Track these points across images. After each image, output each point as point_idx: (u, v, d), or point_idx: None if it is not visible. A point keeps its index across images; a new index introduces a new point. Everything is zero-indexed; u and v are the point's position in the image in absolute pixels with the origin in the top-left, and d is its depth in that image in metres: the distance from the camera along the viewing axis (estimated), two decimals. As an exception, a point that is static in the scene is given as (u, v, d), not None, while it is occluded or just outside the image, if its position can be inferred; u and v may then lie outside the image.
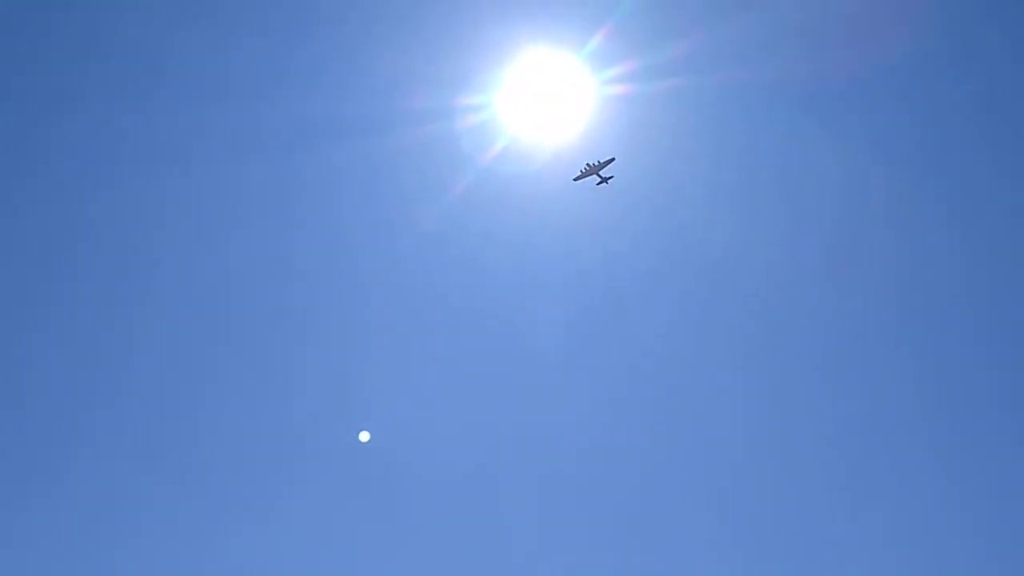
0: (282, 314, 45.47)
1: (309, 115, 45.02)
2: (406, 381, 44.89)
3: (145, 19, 46.78)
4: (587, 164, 44.01)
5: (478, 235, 45.64)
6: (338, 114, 44.83)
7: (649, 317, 44.53)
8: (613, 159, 43.70)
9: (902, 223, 44.99)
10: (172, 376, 45.08)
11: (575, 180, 44.03)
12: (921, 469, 42.63)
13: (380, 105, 44.69)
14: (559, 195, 46.70)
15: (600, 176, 43.71)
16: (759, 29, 43.98)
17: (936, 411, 43.05)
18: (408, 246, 46.17)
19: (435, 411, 44.18)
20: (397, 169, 45.98)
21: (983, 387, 43.70)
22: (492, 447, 44.18)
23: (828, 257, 44.89)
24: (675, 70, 43.84)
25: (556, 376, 45.33)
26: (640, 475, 43.07)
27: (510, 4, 44.49)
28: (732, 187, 44.44)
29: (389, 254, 46.00)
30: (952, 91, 45.77)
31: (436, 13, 44.79)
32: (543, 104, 46.06)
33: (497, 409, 44.33)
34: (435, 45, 44.37)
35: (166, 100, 46.11)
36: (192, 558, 41.62)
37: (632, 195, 45.29)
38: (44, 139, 46.17)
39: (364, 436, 44.48)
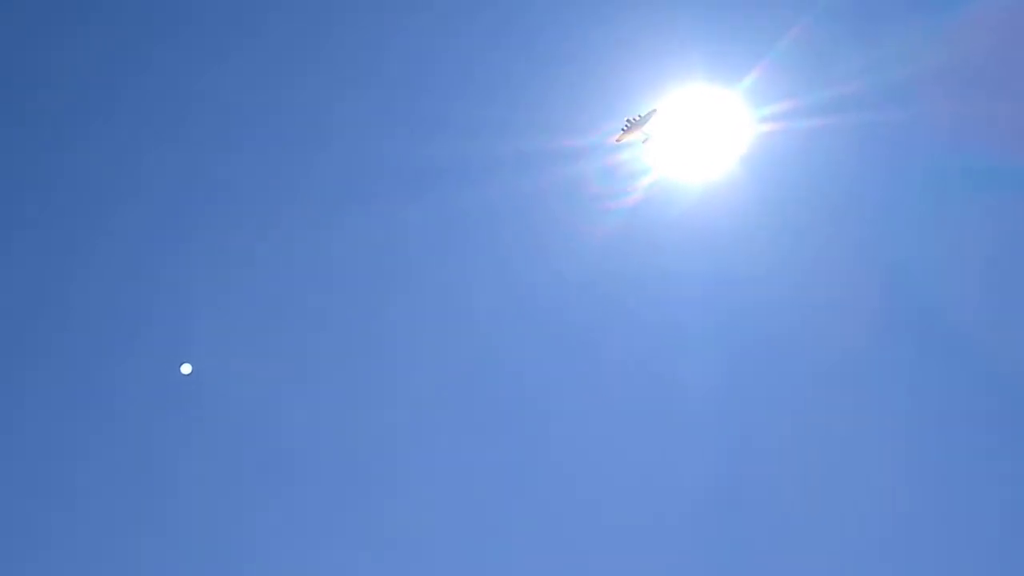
0: (447, 350, 44.90)
1: (465, 152, 44.45)
2: (564, 432, 44.17)
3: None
4: (627, 120, 41.02)
5: (626, 275, 44.86)
6: (492, 152, 44.24)
7: (807, 367, 43.32)
8: (655, 110, 40.56)
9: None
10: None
11: (617, 141, 41.08)
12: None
13: (530, 143, 44.02)
14: (709, 232, 45.84)
15: (644, 133, 40.73)
16: (920, 70, 42.78)
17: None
18: (556, 283, 45.53)
19: (603, 459, 43.28)
20: (545, 207, 45.34)
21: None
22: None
23: (984, 299, 43.38)
24: (834, 108, 42.86)
25: (706, 428, 44.14)
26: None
27: (663, 40, 43.78)
28: (891, 230, 43.30)
29: (539, 291, 45.32)
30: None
31: (589, 50, 44.23)
32: (695, 140, 45.24)
33: (652, 458, 43.34)
34: (587, 82, 43.74)
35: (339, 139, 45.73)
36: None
37: (788, 236, 44.34)
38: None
39: (186, 368, 43.48)
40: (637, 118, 40.46)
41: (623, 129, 40.57)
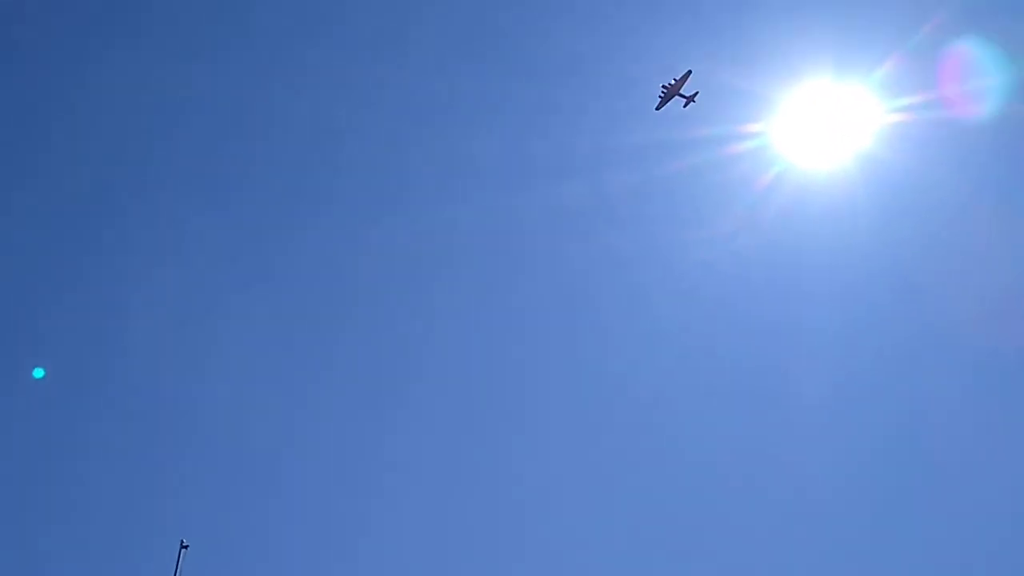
0: (561, 335, 45.33)
1: (578, 144, 45.35)
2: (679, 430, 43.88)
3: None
4: (663, 86, 40.00)
5: (750, 262, 45.02)
6: (609, 142, 45.02)
7: (936, 368, 43.09)
8: (690, 71, 39.65)
9: None
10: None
11: (657, 109, 40.25)
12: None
13: (652, 134, 44.52)
14: (836, 223, 45.79)
15: (683, 96, 39.79)
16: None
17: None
18: (679, 273, 45.86)
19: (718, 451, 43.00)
20: (669, 197, 45.89)
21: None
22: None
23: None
24: (966, 101, 42.46)
25: (826, 430, 43.65)
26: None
27: (795, 33, 44.07)
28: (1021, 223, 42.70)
29: (660, 282, 45.68)
30: None
31: (722, 42, 44.76)
32: (823, 131, 45.39)
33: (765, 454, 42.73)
34: (719, 73, 44.17)
35: (449, 128, 46.77)
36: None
37: (917, 230, 44.04)
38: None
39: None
40: (673, 82, 40.40)
41: (660, 97, 39.99)
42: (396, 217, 45.65)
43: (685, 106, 41.40)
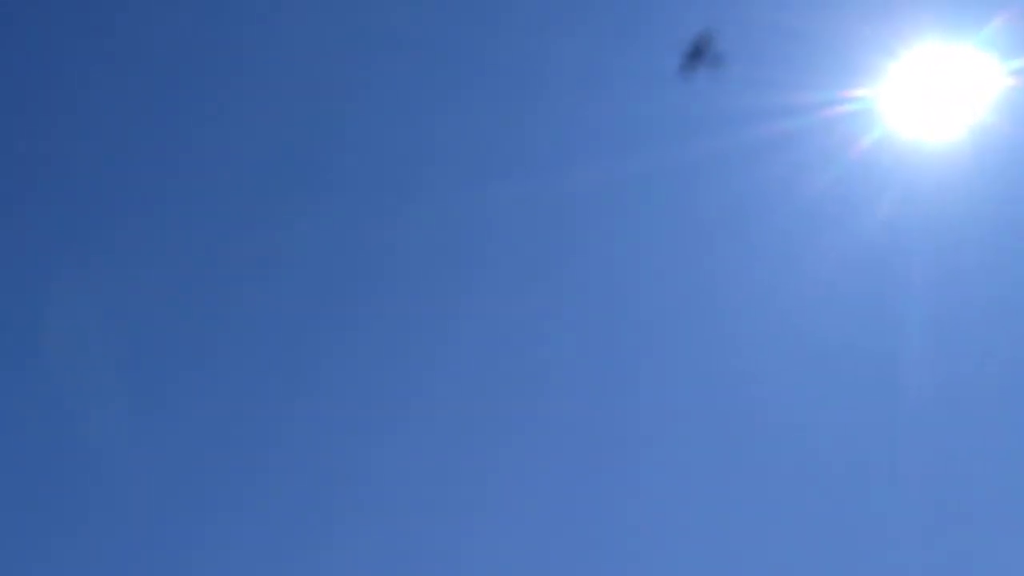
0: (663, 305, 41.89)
1: (683, 105, 43.28)
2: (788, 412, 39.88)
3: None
4: (684, 55, 37.23)
5: (842, 228, 40.70)
6: (711, 107, 42.75)
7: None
8: (708, 28, 36.59)
9: None
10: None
11: (683, 73, 37.29)
12: None
13: (750, 99, 42.26)
14: (936, 192, 40.83)
15: (708, 57, 36.74)
16: None
17: None
18: (767, 239, 42.07)
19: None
20: (760, 162, 42.71)
21: None
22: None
23: None
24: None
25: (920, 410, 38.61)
26: None
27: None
28: None
29: (749, 247, 41.94)
30: None
31: (821, 9, 42.37)
32: (928, 95, 41.13)
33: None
34: (817, 37, 41.92)
35: (549, 100, 45.91)
36: None
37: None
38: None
39: None
40: (695, 45, 37.15)
41: (682, 64, 37.52)
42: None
43: (715, 67, 38.77)
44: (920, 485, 37.19)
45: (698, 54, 36.43)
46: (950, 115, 38.56)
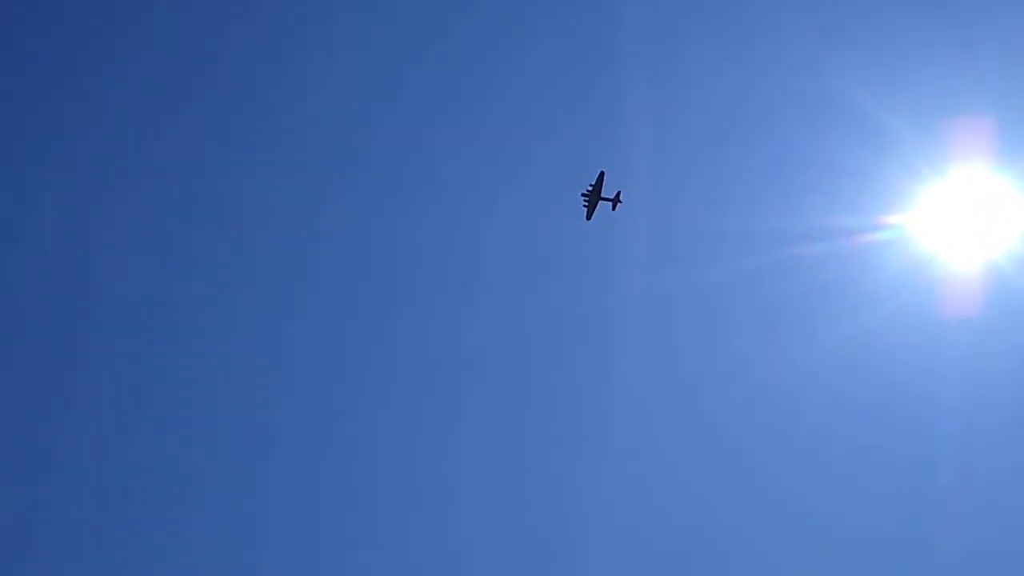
0: None
1: (716, 227, 43.08)
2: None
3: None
4: (583, 195, 37.11)
5: (878, 357, 39.62)
6: (748, 228, 42.44)
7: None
8: (603, 172, 36.61)
9: None
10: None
11: (588, 219, 37.35)
12: None
13: (786, 222, 41.74)
14: (967, 320, 39.69)
15: (608, 199, 36.83)
16: None
17: None
18: (804, 360, 41.13)
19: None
20: (794, 284, 42.09)
21: None
22: None
23: None
24: None
25: None
26: None
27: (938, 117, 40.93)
28: None
29: (785, 366, 41.13)
30: None
31: (860, 130, 42.18)
32: (963, 223, 40.51)
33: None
34: (850, 165, 41.50)
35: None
36: None
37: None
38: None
39: None
40: (589, 188, 37.39)
41: (584, 206, 37.53)
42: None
43: (614, 208, 37.93)
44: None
45: (592, 199, 36.72)
46: (981, 242, 37.89)
